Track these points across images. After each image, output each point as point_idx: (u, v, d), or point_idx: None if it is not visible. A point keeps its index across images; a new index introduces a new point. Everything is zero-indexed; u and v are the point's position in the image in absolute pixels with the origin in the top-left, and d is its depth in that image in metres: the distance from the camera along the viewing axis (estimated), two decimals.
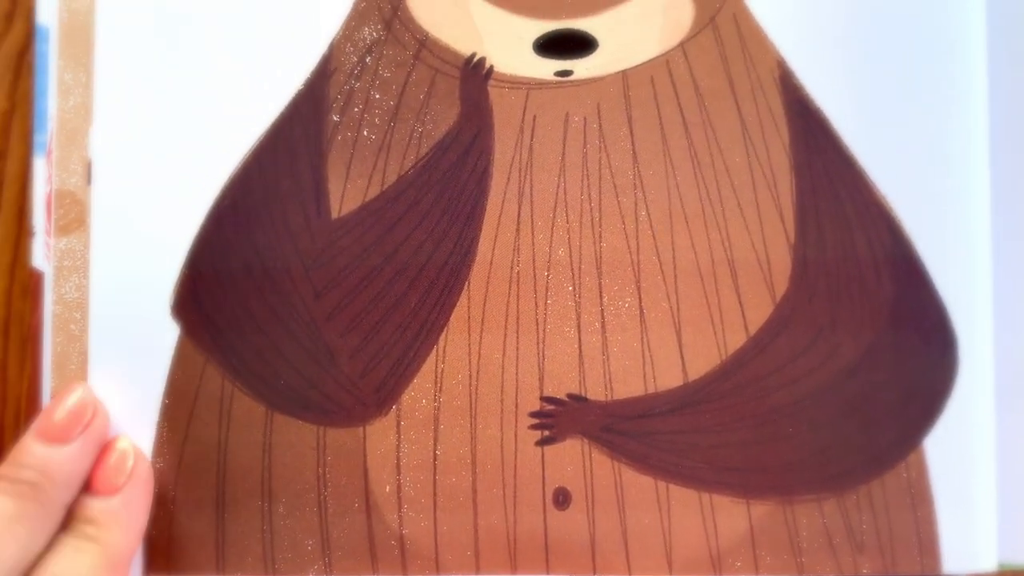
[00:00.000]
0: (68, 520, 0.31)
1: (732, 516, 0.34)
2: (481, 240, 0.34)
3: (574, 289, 0.34)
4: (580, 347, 0.34)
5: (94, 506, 0.32)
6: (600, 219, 0.34)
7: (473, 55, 0.35)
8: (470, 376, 0.34)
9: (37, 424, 0.32)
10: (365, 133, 0.34)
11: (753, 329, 0.34)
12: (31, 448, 0.31)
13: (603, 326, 0.34)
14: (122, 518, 0.32)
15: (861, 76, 0.34)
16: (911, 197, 0.34)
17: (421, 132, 0.34)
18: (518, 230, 0.34)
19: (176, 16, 0.34)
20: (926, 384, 0.34)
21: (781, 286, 0.34)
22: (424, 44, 0.35)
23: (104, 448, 0.33)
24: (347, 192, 0.34)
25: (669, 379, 0.34)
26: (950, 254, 0.34)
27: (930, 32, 0.35)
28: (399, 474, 0.34)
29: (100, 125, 0.35)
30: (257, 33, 0.34)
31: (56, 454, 0.31)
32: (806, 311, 0.34)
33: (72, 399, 0.32)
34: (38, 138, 0.35)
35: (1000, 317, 0.35)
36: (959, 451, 0.34)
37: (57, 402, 0.32)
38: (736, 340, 0.34)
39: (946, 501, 0.34)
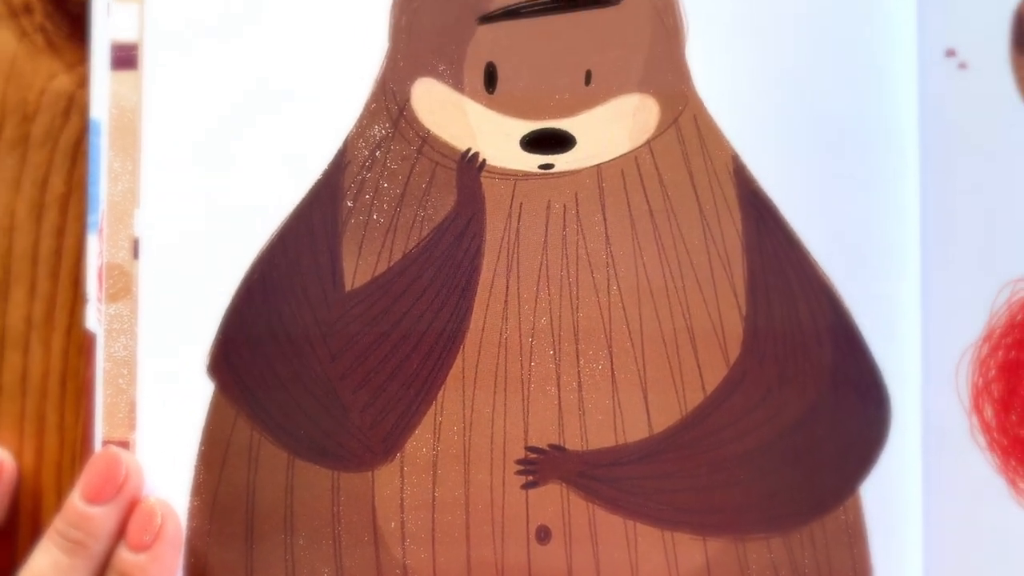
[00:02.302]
0: (107, 568, 0.37)
1: (690, 551, 0.39)
2: (474, 310, 0.39)
3: (555, 353, 0.39)
4: (560, 404, 0.39)
5: (127, 559, 0.37)
6: (577, 292, 0.39)
7: (468, 150, 0.40)
8: (464, 428, 0.39)
9: (79, 484, 0.37)
10: (375, 217, 0.40)
11: (710, 389, 0.39)
12: (75, 506, 0.36)
13: (580, 385, 0.39)
14: (151, 573, 0.37)
15: (805, 168, 0.39)
16: (850, 273, 0.39)
17: (423, 216, 0.40)
18: (506, 302, 0.39)
19: (211, 115, 0.40)
20: (862, 437, 0.39)
21: (734, 351, 0.39)
22: (426, 140, 0.40)
23: (136, 506, 0.37)
24: (359, 268, 0.40)
25: (637, 432, 0.39)
26: (884, 323, 0.39)
27: (866, 131, 0.40)
28: (402, 512, 0.39)
29: (145, 207, 0.40)
30: (282, 129, 0.40)
31: (95, 512, 0.36)
32: (756, 373, 0.39)
33: (105, 463, 0.37)
34: (91, 218, 0.40)
35: (927, 379, 0.40)
36: (890, 496, 0.39)
37: (93, 466, 0.37)
38: (695, 398, 0.39)
39: (879, 539, 0.39)
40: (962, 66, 0.41)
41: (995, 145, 0.41)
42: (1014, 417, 0.40)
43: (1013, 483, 0.40)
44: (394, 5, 0.40)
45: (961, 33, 0.41)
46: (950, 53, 0.41)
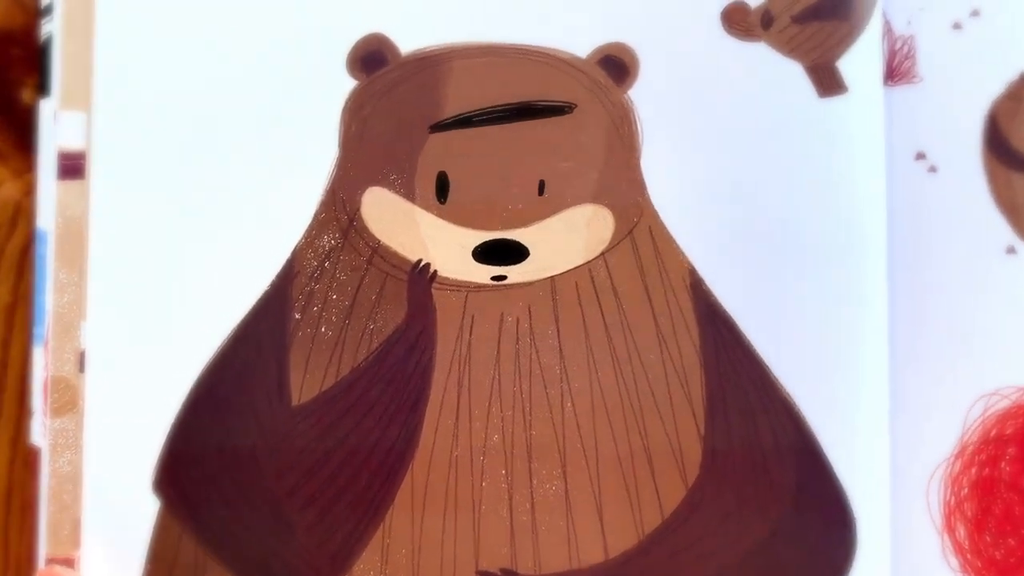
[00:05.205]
0: None
1: None
2: (424, 427, 0.38)
3: (507, 472, 0.38)
4: (512, 526, 0.38)
5: None
6: (530, 409, 0.38)
7: (419, 261, 0.39)
8: (413, 550, 0.38)
9: None
10: (323, 330, 0.39)
11: (668, 511, 0.38)
12: None
13: (532, 507, 0.38)
14: None
15: (765, 280, 0.38)
16: (813, 389, 0.38)
17: (372, 329, 0.39)
18: (457, 418, 0.38)
19: (157, 226, 0.39)
20: (828, 560, 0.38)
21: (692, 473, 0.38)
22: (376, 251, 0.39)
23: None
24: (306, 382, 0.39)
25: (592, 555, 0.38)
26: (849, 440, 0.38)
27: (831, 239, 0.38)
28: None
29: (91, 319, 0.39)
30: (230, 239, 0.39)
31: None
32: (715, 495, 0.38)
33: None
34: (37, 330, 0.39)
35: (896, 497, 0.38)
36: None
37: None
38: (652, 521, 0.38)
39: None
40: (932, 169, 0.40)
41: (967, 250, 0.39)
42: (988, 538, 0.39)
43: None
44: (344, 112, 0.39)
45: (931, 136, 0.40)
46: (920, 156, 0.40)
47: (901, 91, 0.40)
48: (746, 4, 0.39)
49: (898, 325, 0.39)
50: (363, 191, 0.39)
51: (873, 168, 0.39)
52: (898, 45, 0.40)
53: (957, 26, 0.40)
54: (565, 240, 0.38)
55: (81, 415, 0.39)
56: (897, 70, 0.40)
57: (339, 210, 0.39)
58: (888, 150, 0.39)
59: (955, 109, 0.40)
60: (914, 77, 0.40)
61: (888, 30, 0.40)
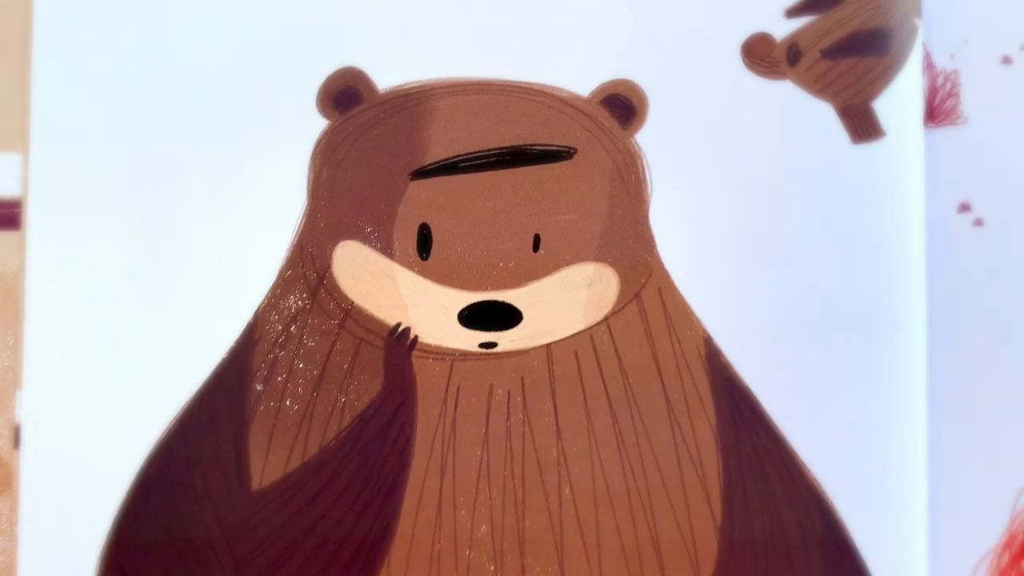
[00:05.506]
0: None
1: None
2: (402, 516, 0.34)
3: (496, 569, 0.34)
4: None
5: None
6: (523, 496, 0.34)
7: (398, 325, 0.34)
8: None
9: None
10: (288, 403, 0.34)
11: None
12: None
13: None
14: None
15: (790, 355, 0.34)
16: (842, 476, 0.34)
17: (344, 403, 0.34)
18: (440, 505, 0.34)
19: (100, 284, 0.35)
20: None
21: (707, 568, 0.33)
22: (349, 313, 0.35)
23: None
24: (268, 463, 0.34)
25: None
26: (884, 532, 0.33)
27: (864, 303, 0.34)
28: None
29: (28, 389, 0.35)
30: (183, 300, 0.35)
31: None
32: None
33: None
34: None
35: None
36: None
37: None
38: None
39: None
40: (978, 223, 0.35)
41: (1017, 319, 0.35)
42: None
43: None
44: (314, 156, 0.35)
45: (977, 184, 0.35)
46: (964, 208, 0.35)
47: (943, 133, 0.35)
48: (770, 36, 0.34)
49: (938, 402, 0.34)
50: (335, 245, 0.35)
51: (912, 222, 0.35)
52: (940, 81, 0.35)
53: (1007, 60, 0.35)
54: (563, 303, 0.34)
55: (16, 496, 0.35)
56: (939, 109, 0.35)
57: (307, 267, 0.34)
58: (929, 201, 0.35)
59: (1004, 154, 0.35)
60: (958, 118, 0.35)
61: (929, 64, 0.35)
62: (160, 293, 0.35)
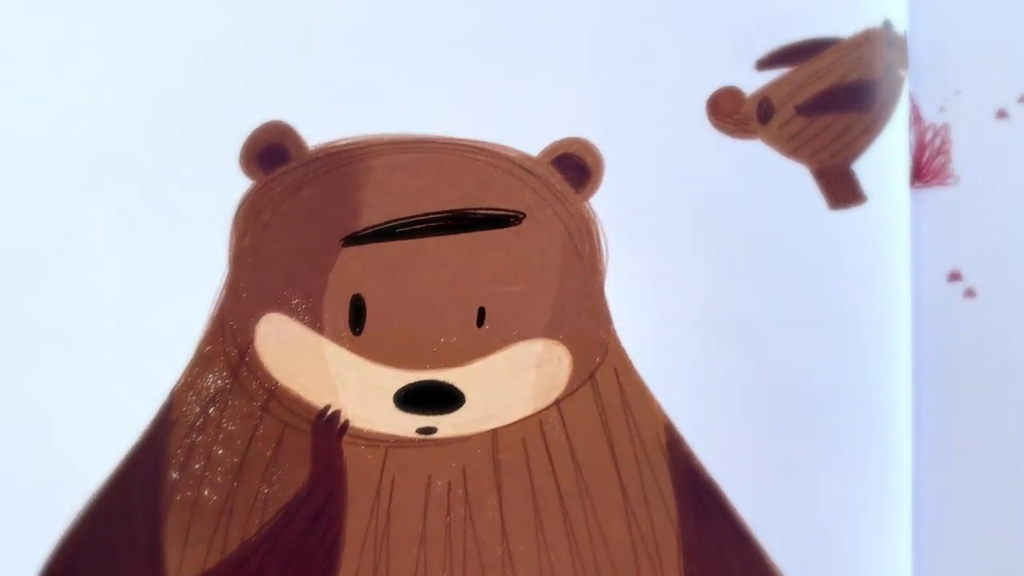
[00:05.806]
0: None
1: None
2: None
3: None
4: None
5: None
6: None
7: (327, 407, 0.31)
8: None
9: None
10: (206, 493, 0.31)
11: None
12: None
13: None
14: None
15: (761, 443, 0.31)
16: None
17: (267, 494, 0.31)
18: None
19: (14, 362, 0.31)
20: None
21: None
22: (273, 394, 0.31)
23: None
24: (186, 558, 0.31)
25: None
26: None
27: (846, 391, 0.31)
28: None
29: None
30: (90, 378, 0.31)
31: None
32: None
33: None
34: None
35: None
36: None
37: None
38: None
39: None
40: (969, 293, 0.32)
41: (1013, 397, 0.32)
42: None
43: None
44: (236, 220, 0.32)
45: (969, 251, 0.32)
46: (954, 277, 0.32)
47: (932, 194, 0.32)
48: (739, 90, 0.31)
49: (924, 496, 0.31)
50: (258, 318, 0.32)
51: (896, 293, 0.32)
52: (929, 137, 0.32)
53: (1002, 114, 0.32)
54: (510, 384, 0.31)
55: None
56: (927, 168, 0.32)
57: (228, 342, 0.31)
58: (915, 269, 0.32)
59: (999, 217, 0.32)
60: (948, 177, 0.32)
61: (917, 118, 0.32)
62: (63, 371, 0.31)
